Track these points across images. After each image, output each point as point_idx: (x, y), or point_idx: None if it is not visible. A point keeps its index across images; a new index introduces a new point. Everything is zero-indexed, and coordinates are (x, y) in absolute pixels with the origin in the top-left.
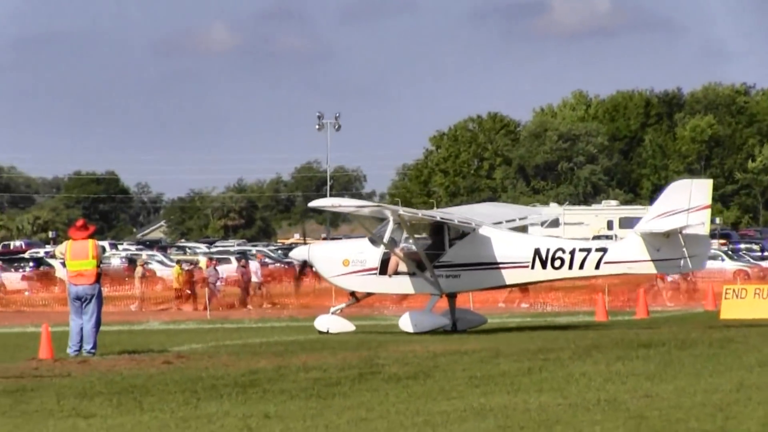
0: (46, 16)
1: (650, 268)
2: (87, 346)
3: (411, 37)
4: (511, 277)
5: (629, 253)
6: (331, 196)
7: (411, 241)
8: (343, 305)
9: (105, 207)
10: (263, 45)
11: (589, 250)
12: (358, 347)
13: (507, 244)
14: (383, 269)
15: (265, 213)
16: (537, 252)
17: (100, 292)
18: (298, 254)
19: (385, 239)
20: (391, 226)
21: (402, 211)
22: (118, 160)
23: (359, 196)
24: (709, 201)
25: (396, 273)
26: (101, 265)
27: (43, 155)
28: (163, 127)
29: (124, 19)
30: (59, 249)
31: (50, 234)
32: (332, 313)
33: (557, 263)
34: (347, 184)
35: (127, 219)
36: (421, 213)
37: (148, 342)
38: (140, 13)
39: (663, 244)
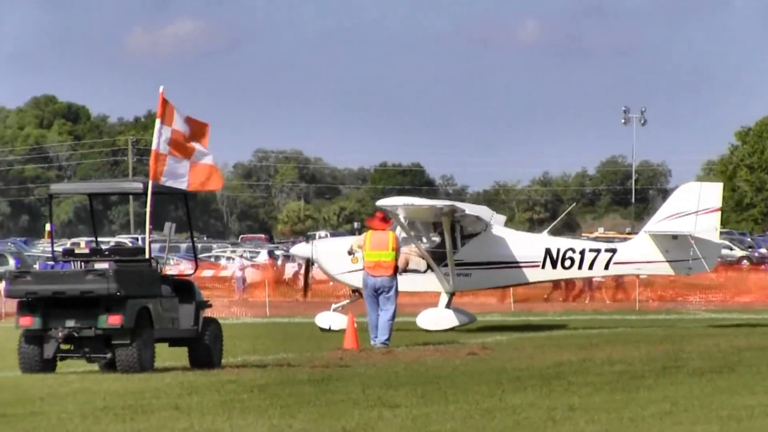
0: (354, 8)
1: (659, 269)
2: (381, 338)
3: (720, 32)
4: (521, 276)
5: (639, 254)
6: (636, 190)
7: (423, 238)
8: (345, 302)
9: None
10: (572, 40)
11: (598, 251)
12: (662, 341)
13: (519, 244)
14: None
15: (567, 206)
16: (548, 252)
17: (397, 284)
18: (301, 251)
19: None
20: (401, 223)
21: (468, 210)
22: (423, 152)
23: (663, 192)
24: (718, 204)
25: (406, 270)
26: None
27: (350, 146)
28: (469, 120)
29: (431, 11)
30: (356, 242)
31: (355, 225)
32: (333, 310)
33: (567, 263)
34: (652, 178)
35: None
36: (470, 209)
37: (453, 333)
38: (451, 6)
39: (671, 245)
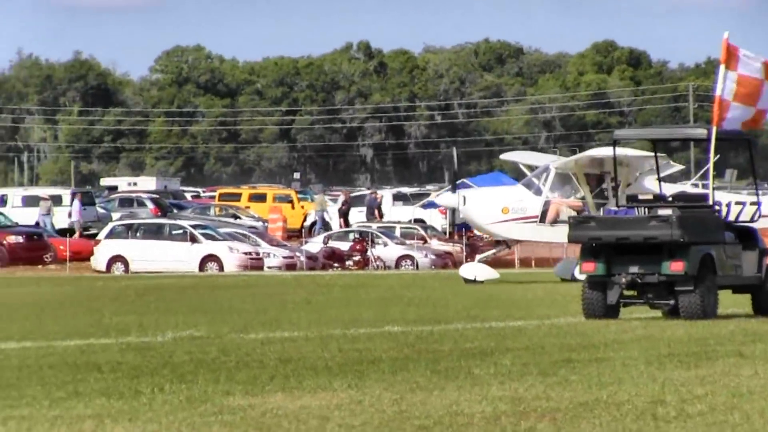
0: None
1: None
2: None
3: None
4: None
5: None
6: None
7: (575, 190)
8: (491, 252)
9: None
10: None
11: (744, 204)
12: None
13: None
14: (544, 217)
15: None
16: None
17: None
18: (449, 201)
19: (547, 188)
20: (552, 174)
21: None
22: None
23: None
24: None
25: (556, 222)
26: None
27: None
28: None
29: None
30: None
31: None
32: (479, 261)
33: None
34: None
35: None
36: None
37: None
38: None
39: None
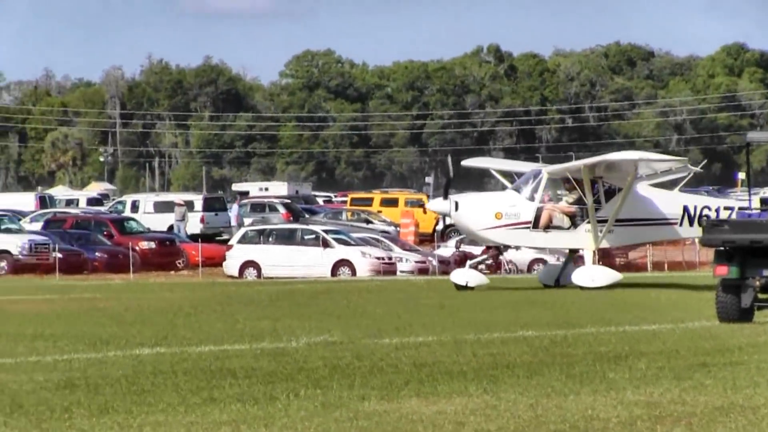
0: None
1: None
2: None
3: None
4: (660, 233)
5: None
6: None
7: (567, 196)
8: (483, 257)
9: None
10: None
11: (732, 209)
12: None
13: (659, 201)
14: (537, 223)
15: None
16: (686, 210)
17: None
18: (440, 207)
19: (539, 194)
20: (544, 180)
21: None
22: None
23: None
24: None
25: (548, 227)
26: None
27: None
28: None
29: None
30: None
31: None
32: (470, 267)
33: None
34: None
35: None
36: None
37: None
38: None
39: None
